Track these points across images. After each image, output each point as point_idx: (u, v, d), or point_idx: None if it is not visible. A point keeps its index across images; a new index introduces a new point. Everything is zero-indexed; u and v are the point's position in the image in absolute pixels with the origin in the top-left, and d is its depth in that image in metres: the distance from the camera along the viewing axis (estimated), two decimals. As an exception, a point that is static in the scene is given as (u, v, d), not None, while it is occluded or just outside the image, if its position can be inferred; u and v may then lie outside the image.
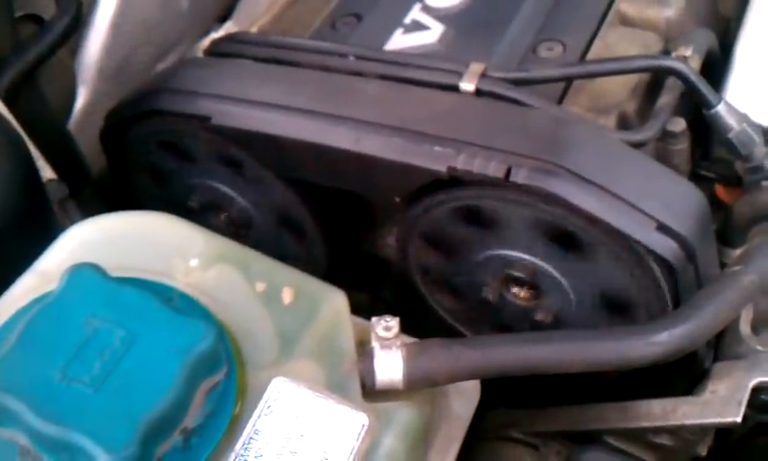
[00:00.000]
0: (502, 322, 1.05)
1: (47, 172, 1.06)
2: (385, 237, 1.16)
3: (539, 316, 1.00)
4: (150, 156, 1.11)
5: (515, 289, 1.01)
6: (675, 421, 0.96)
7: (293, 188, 1.04)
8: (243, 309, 0.75)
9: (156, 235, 0.79)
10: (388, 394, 0.74)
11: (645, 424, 0.98)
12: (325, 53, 1.06)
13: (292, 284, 0.77)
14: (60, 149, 1.22)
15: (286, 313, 0.76)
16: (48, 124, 1.24)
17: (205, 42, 1.15)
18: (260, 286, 0.77)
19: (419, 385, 0.74)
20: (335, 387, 0.73)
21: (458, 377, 0.75)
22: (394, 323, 0.76)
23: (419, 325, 1.18)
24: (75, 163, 1.26)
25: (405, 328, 0.84)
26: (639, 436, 1.00)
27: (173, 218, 0.81)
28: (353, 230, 1.15)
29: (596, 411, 1.01)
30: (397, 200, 0.97)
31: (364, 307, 1.24)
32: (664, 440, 0.99)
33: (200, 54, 1.14)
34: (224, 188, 1.09)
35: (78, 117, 1.32)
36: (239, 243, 0.81)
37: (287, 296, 0.76)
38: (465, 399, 0.81)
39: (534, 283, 0.98)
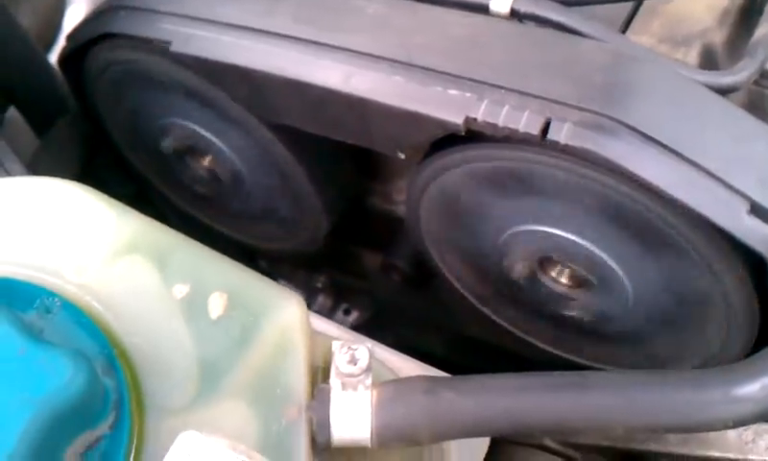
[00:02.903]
0: (532, 306, 0.79)
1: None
2: (400, 192, 0.90)
3: (578, 311, 0.74)
4: (112, 87, 0.86)
5: (553, 272, 0.75)
6: (755, 455, 0.70)
7: (278, 134, 0.79)
8: (153, 325, 0.51)
9: (48, 213, 0.55)
10: (350, 455, 0.50)
11: (715, 453, 0.72)
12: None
13: (225, 288, 0.52)
14: (29, 77, 0.99)
15: (213, 331, 0.51)
16: (15, 48, 1.00)
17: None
18: (181, 290, 0.52)
19: (393, 443, 0.49)
20: (272, 444, 0.48)
21: (449, 435, 0.50)
22: (363, 352, 0.50)
23: (434, 301, 0.97)
24: (48, 93, 1.03)
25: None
26: (707, 467, 0.74)
27: (78, 188, 0.56)
28: (359, 184, 0.90)
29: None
30: (402, 156, 0.71)
31: (374, 274, 1.02)
32: (740, 475, 0.73)
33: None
34: (200, 130, 0.84)
35: (66, 38, 1.09)
36: (159, 223, 0.56)
37: (217, 305, 0.52)
38: (468, 451, 0.56)
39: (580, 269, 0.71)
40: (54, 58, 1.06)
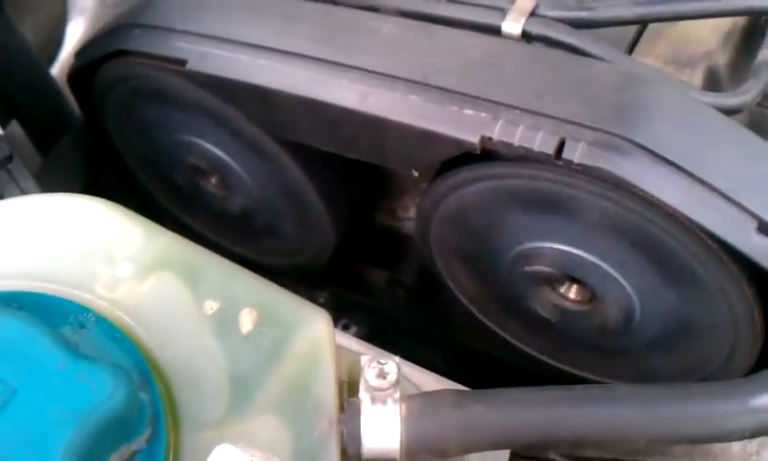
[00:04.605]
0: (541, 322, 0.81)
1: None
2: (406, 209, 0.92)
3: (585, 326, 0.76)
4: (122, 104, 0.88)
5: (562, 288, 0.77)
6: (761, 467, 0.72)
7: (290, 151, 0.80)
8: (185, 341, 0.52)
9: (78, 229, 0.56)
10: (378, 467, 0.51)
11: (721, 466, 0.74)
12: (335, -20, 0.80)
13: (255, 304, 0.54)
14: (33, 92, 1.00)
15: (244, 347, 0.52)
16: (19, 62, 1.01)
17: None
18: (211, 306, 0.53)
19: (422, 456, 0.51)
20: (304, 456, 0.50)
21: (477, 447, 0.51)
22: (391, 366, 0.52)
23: (439, 317, 0.98)
24: (51, 108, 1.03)
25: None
26: (713, 478, 0.76)
27: (106, 205, 0.57)
28: (366, 201, 0.91)
29: (659, 441, 0.77)
30: (416, 174, 0.73)
31: (380, 289, 1.04)
32: (745, 486, 0.75)
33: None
34: (210, 147, 0.86)
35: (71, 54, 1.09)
36: (188, 241, 0.57)
37: (247, 321, 0.53)
38: (489, 463, 0.57)
39: (588, 285, 0.73)
40: (54, 72, 1.07)
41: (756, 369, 0.70)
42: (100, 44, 0.84)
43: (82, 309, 0.52)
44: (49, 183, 0.97)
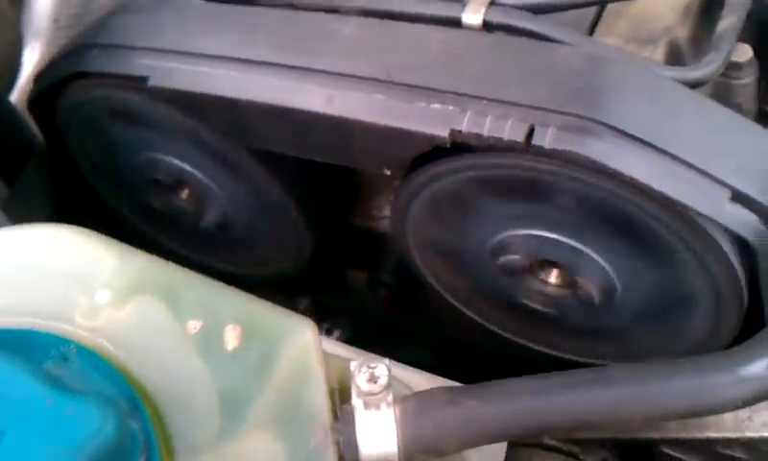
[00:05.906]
0: (523, 309, 0.81)
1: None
2: (381, 208, 0.91)
3: (567, 309, 0.76)
4: (86, 126, 0.86)
5: (542, 273, 0.77)
6: (751, 432, 0.73)
7: (259, 160, 0.80)
8: (170, 363, 0.51)
9: (51, 259, 0.55)
10: (376, 472, 0.51)
11: (713, 434, 0.75)
12: (291, -16, 0.80)
13: (238, 319, 0.53)
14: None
15: (231, 364, 0.52)
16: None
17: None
18: (194, 326, 0.53)
19: (420, 457, 0.51)
20: (301, 468, 0.49)
21: (475, 442, 0.51)
22: (382, 369, 0.51)
23: (421, 312, 0.98)
24: (12, 136, 1.01)
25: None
26: (705, 447, 0.76)
27: (77, 232, 0.56)
28: (341, 203, 0.91)
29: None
30: (388, 173, 0.72)
31: (360, 291, 1.03)
32: (737, 452, 0.75)
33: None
34: (178, 163, 0.85)
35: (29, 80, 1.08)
36: (164, 261, 0.56)
37: (232, 337, 0.52)
38: (488, 456, 0.57)
39: (568, 268, 0.73)
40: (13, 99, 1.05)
41: (740, 338, 0.71)
42: (58, 67, 0.83)
43: (63, 341, 0.51)
44: (16, 213, 0.95)
